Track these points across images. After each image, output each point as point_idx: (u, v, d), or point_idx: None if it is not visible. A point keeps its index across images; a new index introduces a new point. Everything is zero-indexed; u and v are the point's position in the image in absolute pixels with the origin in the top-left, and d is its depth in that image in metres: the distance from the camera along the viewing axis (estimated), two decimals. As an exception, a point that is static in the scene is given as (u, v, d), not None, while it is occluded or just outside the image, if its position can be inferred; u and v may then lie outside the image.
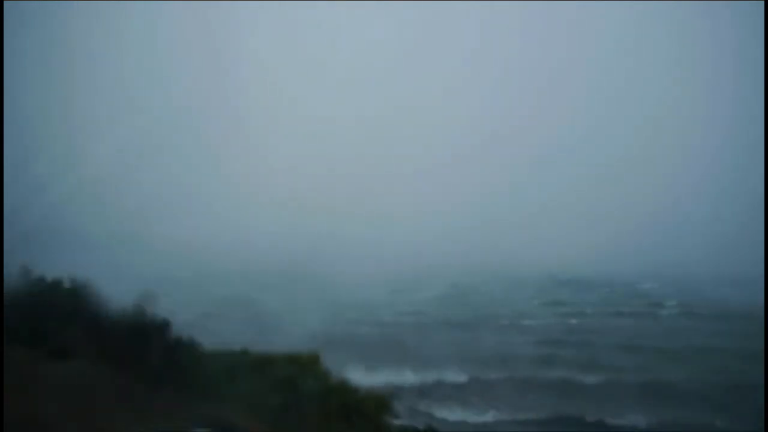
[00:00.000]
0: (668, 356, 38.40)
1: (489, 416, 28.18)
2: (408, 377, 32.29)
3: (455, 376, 33.81)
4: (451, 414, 28.04)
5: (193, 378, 10.88)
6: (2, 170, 16.03)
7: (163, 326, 11.61)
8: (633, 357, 38.21)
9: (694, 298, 65.11)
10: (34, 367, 10.04)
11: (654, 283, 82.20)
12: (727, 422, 26.34)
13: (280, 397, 12.14)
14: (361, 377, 24.27)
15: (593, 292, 75.51)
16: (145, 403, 9.46)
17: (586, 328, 49.74)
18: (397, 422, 14.13)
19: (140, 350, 10.72)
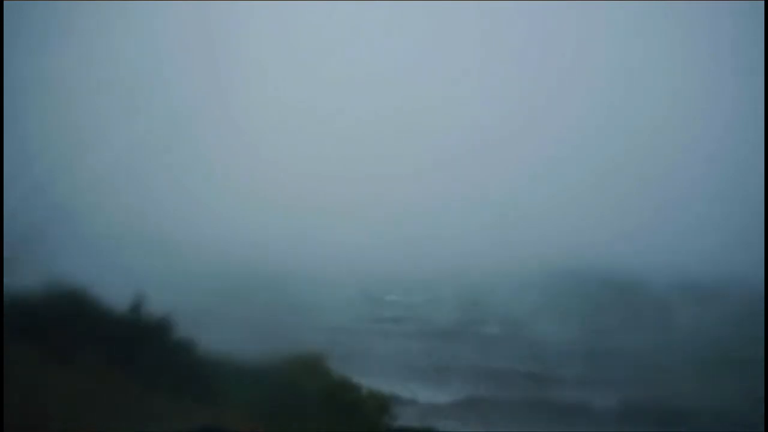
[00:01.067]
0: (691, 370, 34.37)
1: None
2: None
3: (432, 394, 30.39)
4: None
5: (193, 380, 10.87)
6: (2, 170, 16.03)
7: (163, 328, 11.60)
8: (650, 372, 34.58)
9: (702, 297, 63.56)
10: (35, 369, 10.03)
11: (663, 281, 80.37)
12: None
13: (281, 398, 12.14)
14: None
15: (600, 292, 74.02)
16: (144, 406, 9.45)
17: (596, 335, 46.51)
18: (395, 423, 14.15)
19: (140, 353, 10.71)
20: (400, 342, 45.17)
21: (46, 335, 11.10)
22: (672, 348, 41.86)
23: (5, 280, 11.98)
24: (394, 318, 56.61)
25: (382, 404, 14.08)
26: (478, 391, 32.93)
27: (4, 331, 10.47)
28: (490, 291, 76.60)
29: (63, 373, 9.98)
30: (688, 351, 40.02)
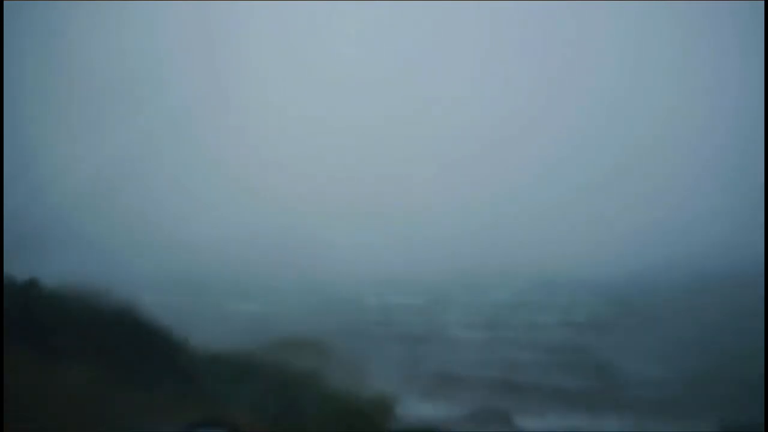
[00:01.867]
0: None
1: None
2: None
3: (431, 399, 29.54)
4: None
5: (191, 380, 10.87)
6: (2, 172, 16.04)
7: (160, 327, 11.60)
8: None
9: (710, 298, 62.52)
10: (33, 369, 10.01)
11: (666, 283, 79.60)
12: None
13: (279, 398, 12.14)
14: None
15: (601, 294, 73.27)
16: (141, 405, 9.43)
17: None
18: (397, 423, 14.12)
19: (137, 352, 10.69)
20: (400, 344, 44.75)
21: (45, 335, 11.08)
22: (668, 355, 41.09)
23: (5, 279, 11.97)
24: (393, 320, 56.10)
25: (386, 404, 14.05)
26: (477, 396, 32.47)
27: (4, 331, 10.45)
28: (491, 293, 76.43)
29: (62, 373, 9.95)
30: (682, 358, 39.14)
